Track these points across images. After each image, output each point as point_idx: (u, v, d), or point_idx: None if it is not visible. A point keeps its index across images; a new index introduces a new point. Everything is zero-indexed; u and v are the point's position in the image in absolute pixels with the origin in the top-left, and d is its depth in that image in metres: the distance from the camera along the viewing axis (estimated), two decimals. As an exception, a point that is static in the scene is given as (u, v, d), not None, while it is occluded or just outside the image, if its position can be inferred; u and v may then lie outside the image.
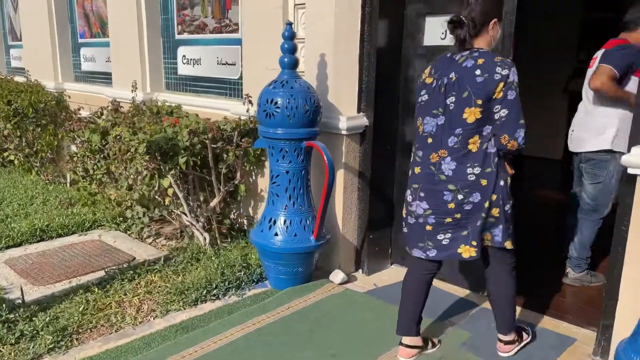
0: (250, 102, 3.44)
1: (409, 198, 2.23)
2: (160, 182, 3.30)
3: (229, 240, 3.64)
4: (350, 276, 3.25)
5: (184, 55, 4.54)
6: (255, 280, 3.16)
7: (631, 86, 2.80)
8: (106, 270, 3.20)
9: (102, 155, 3.85)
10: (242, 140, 3.40)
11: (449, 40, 2.92)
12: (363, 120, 3.12)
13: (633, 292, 2.13)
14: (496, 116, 1.98)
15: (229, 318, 2.70)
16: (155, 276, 3.16)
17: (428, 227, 2.15)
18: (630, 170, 1.99)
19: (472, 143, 2.01)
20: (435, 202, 2.10)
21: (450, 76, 2.05)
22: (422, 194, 2.15)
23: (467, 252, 2.11)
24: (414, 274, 2.33)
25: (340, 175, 3.14)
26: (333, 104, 3.09)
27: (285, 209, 2.92)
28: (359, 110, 3.15)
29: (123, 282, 3.07)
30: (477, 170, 2.02)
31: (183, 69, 4.58)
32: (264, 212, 3.04)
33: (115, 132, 3.46)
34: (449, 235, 2.12)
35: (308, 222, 2.94)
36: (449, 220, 2.10)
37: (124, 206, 3.98)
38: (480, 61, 1.99)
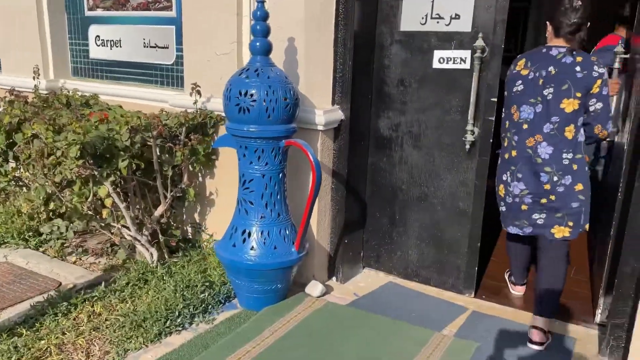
0: (199, 92, 2.95)
1: (508, 179, 2.40)
2: (94, 191, 2.70)
3: (179, 254, 3.13)
4: (326, 285, 2.94)
5: (98, 36, 3.83)
6: (222, 300, 2.72)
7: None
8: (32, 304, 2.56)
9: (5, 159, 3.10)
10: (191, 137, 2.91)
11: (431, 26, 2.70)
12: (339, 114, 2.80)
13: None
14: (591, 108, 2.22)
15: (207, 355, 2.26)
16: (96, 306, 2.59)
17: (524, 207, 2.38)
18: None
19: (568, 131, 2.24)
20: (533, 183, 2.31)
21: (550, 69, 2.25)
22: (519, 175, 2.34)
23: (561, 232, 2.34)
24: (515, 245, 2.73)
25: (314, 175, 2.80)
26: (305, 96, 2.73)
27: (261, 218, 2.52)
28: (333, 102, 2.82)
29: (57, 317, 2.48)
30: (570, 155, 2.25)
31: (97, 52, 3.87)
32: (233, 222, 2.61)
33: (28, 131, 2.77)
34: (544, 215, 2.35)
35: (287, 231, 2.57)
36: (544, 201, 2.32)
37: (37, 220, 3.27)
38: (579, 59, 2.22)
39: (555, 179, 2.26)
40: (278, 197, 2.54)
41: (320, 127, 2.70)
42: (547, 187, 2.28)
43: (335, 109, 2.80)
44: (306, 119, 2.68)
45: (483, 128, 2.65)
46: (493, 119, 2.62)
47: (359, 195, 3.05)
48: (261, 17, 2.42)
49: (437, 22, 2.72)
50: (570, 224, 2.31)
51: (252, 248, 2.50)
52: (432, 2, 2.71)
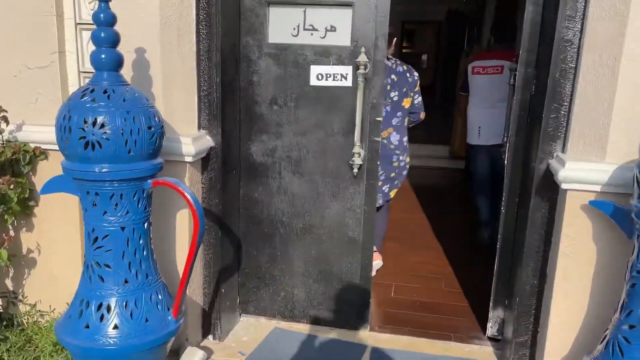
0: (4, 119, 2.19)
1: None
2: None
3: (-9, 341, 2.27)
4: (204, 348, 2.43)
5: None
6: (70, 399, 2.02)
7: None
8: None
9: None
10: (-2, 179, 2.12)
11: (304, 38, 2.42)
12: (207, 141, 2.32)
13: (562, 314, 2.09)
14: (416, 102, 3.10)
15: None
16: None
17: (379, 183, 2.97)
18: (564, 186, 1.92)
19: (405, 121, 3.08)
20: (386, 164, 3.00)
21: (392, 77, 2.95)
22: (378, 162, 2.56)
23: (394, 192, 3.19)
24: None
25: (183, 217, 2.27)
26: (166, 121, 2.18)
27: (125, 283, 1.90)
28: (200, 127, 2.33)
29: None
30: (405, 138, 3.08)
31: None
32: (82, 294, 1.93)
33: None
34: (388, 185, 3.11)
35: (160, 295, 2.00)
36: (392, 175, 3.08)
37: None
38: (405, 67, 3.05)
39: (401, 157, 3.06)
40: (144, 253, 1.96)
41: (188, 159, 2.19)
42: (395, 164, 3.05)
43: (203, 134, 2.31)
44: (170, 149, 2.15)
45: (370, 150, 2.45)
46: (379, 139, 2.44)
47: (234, 234, 2.60)
48: (107, 21, 1.82)
49: (312, 34, 2.44)
50: (399, 185, 3.16)
51: (114, 327, 1.87)
52: (304, 11, 2.42)
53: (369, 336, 2.61)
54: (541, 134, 2.07)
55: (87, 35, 2.25)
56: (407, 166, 3.16)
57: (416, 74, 3.07)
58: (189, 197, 1.88)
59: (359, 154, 2.43)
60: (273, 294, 2.71)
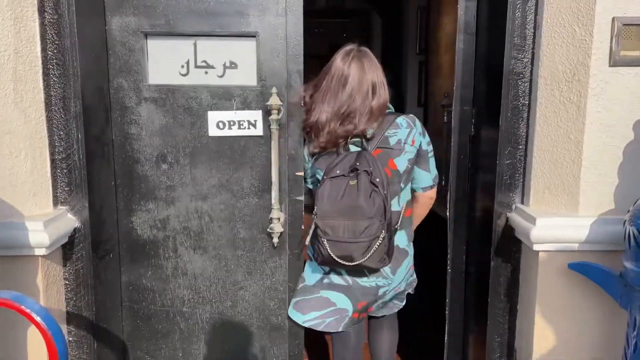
0: None
1: None
2: None
3: None
4: None
5: None
6: None
7: None
8: None
9: None
10: None
11: (197, 77, 1.92)
12: (69, 221, 1.68)
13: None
14: None
15: None
16: None
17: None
18: (536, 247, 1.59)
19: None
20: None
21: None
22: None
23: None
24: None
25: (35, 336, 1.58)
26: (1, 200, 1.52)
27: None
28: (57, 203, 1.68)
29: None
30: None
31: None
32: None
33: None
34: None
35: None
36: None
37: None
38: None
39: None
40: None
41: (40, 251, 1.54)
42: None
43: (62, 213, 1.66)
44: (11, 240, 1.48)
45: (292, 212, 1.96)
46: (302, 198, 1.97)
47: (115, 337, 1.94)
48: None
49: (206, 73, 1.92)
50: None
51: None
52: (194, 44, 1.91)
53: None
54: (496, 182, 1.74)
55: None
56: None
57: None
58: (36, 318, 1.23)
59: (279, 218, 1.93)
60: (176, 409, 2.07)
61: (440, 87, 4.15)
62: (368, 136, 1.73)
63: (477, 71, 1.94)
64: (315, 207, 1.67)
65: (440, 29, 4.12)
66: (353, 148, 1.76)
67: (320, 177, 1.75)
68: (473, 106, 1.97)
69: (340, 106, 1.71)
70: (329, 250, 1.64)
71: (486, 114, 1.86)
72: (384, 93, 1.75)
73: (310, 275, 1.89)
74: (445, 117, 2.58)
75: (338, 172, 1.67)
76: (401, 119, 1.77)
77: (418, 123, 1.79)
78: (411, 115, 1.81)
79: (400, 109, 4.71)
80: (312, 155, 1.85)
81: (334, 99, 1.72)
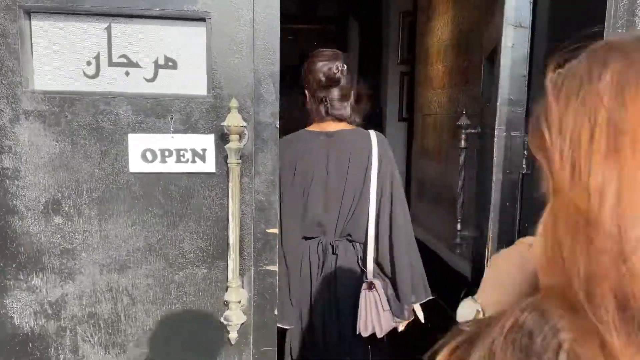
0: None
1: None
2: None
3: None
4: None
5: None
6: None
7: None
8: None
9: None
10: None
11: (112, 80, 1.25)
12: None
13: None
14: None
15: None
16: None
17: None
18: None
19: None
20: None
21: None
22: None
23: None
24: None
25: None
26: None
27: None
28: None
29: None
30: None
31: None
32: None
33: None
34: None
35: None
36: None
37: None
38: None
39: None
40: None
41: None
42: None
43: None
44: None
45: (259, 290, 1.28)
46: (276, 268, 1.29)
47: None
48: None
49: (127, 74, 1.24)
50: None
51: None
52: (108, 29, 1.22)
53: None
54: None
55: None
56: None
57: None
58: None
59: (239, 301, 1.24)
60: None
61: (430, 101, 3.58)
62: None
63: (534, 81, 1.34)
64: None
65: (431, 35, 3.56)
66: None
67: None
68: (526, 132, 1.36)
69: None
70: None
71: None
72: None
73: None
74: (463, 142, 1.98)
75: None
76: None
77: None
78: None
79: (377, 123, 4.13)
80: None
81: None
